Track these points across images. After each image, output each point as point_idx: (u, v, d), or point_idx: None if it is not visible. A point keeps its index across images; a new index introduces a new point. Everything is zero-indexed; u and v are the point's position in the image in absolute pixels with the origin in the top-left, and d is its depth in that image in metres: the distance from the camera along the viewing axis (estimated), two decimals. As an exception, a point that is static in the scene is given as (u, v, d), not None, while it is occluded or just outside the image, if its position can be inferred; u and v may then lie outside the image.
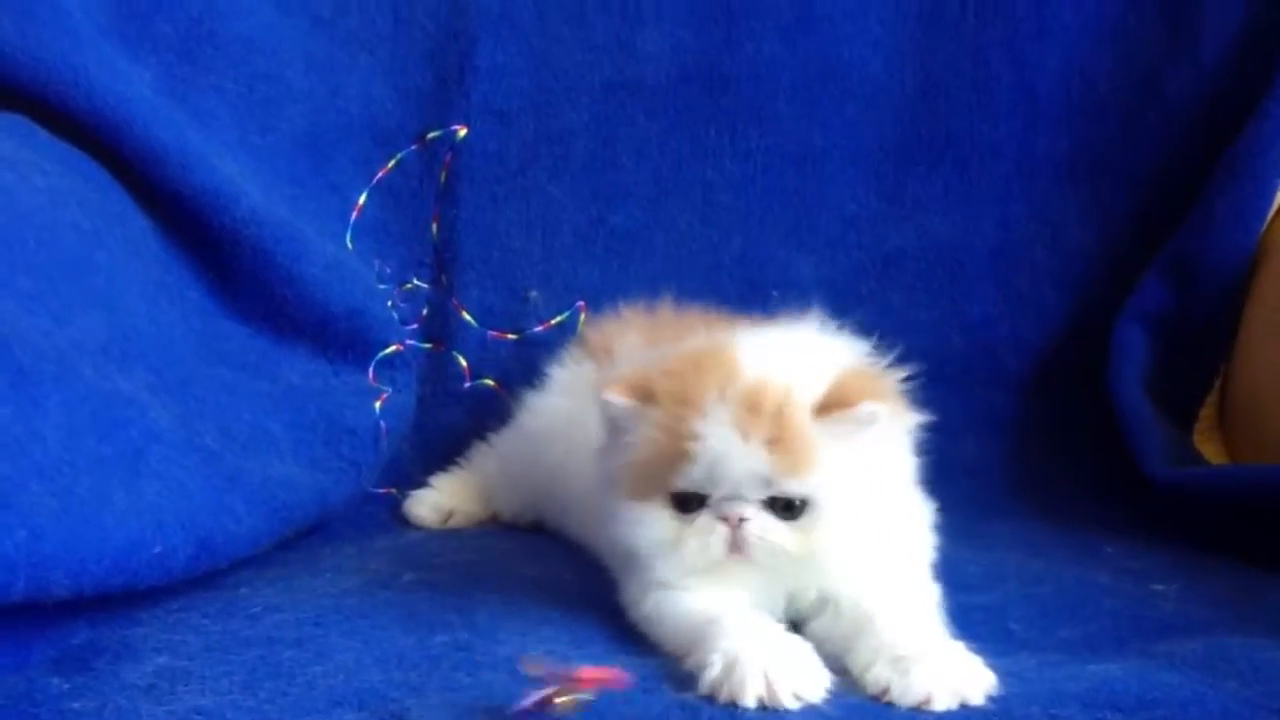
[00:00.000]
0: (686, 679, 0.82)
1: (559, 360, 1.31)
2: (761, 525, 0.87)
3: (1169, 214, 1.48)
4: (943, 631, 0.88)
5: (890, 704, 0.80)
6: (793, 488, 0.87)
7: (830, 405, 0.87)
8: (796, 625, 0.91)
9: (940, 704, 0.79)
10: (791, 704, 0.78)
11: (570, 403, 1.22)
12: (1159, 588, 1.08)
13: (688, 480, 0.88)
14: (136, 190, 1.24)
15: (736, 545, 0.88)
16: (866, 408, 0.87)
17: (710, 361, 0.90)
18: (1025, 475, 1.45)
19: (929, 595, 0.93)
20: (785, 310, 1.04)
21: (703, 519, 0.88)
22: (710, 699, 0.79)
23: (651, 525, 0.90)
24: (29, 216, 1.04)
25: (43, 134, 1.17)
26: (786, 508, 0.87)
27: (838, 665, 0.85)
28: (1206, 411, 1.43)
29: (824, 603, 0.92)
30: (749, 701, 0.78)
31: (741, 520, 0.87)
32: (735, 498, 0.87)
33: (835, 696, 0.81)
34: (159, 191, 1.24)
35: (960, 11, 1.50)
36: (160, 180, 1.24)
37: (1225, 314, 1.41)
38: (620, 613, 0.94)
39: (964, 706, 0.80)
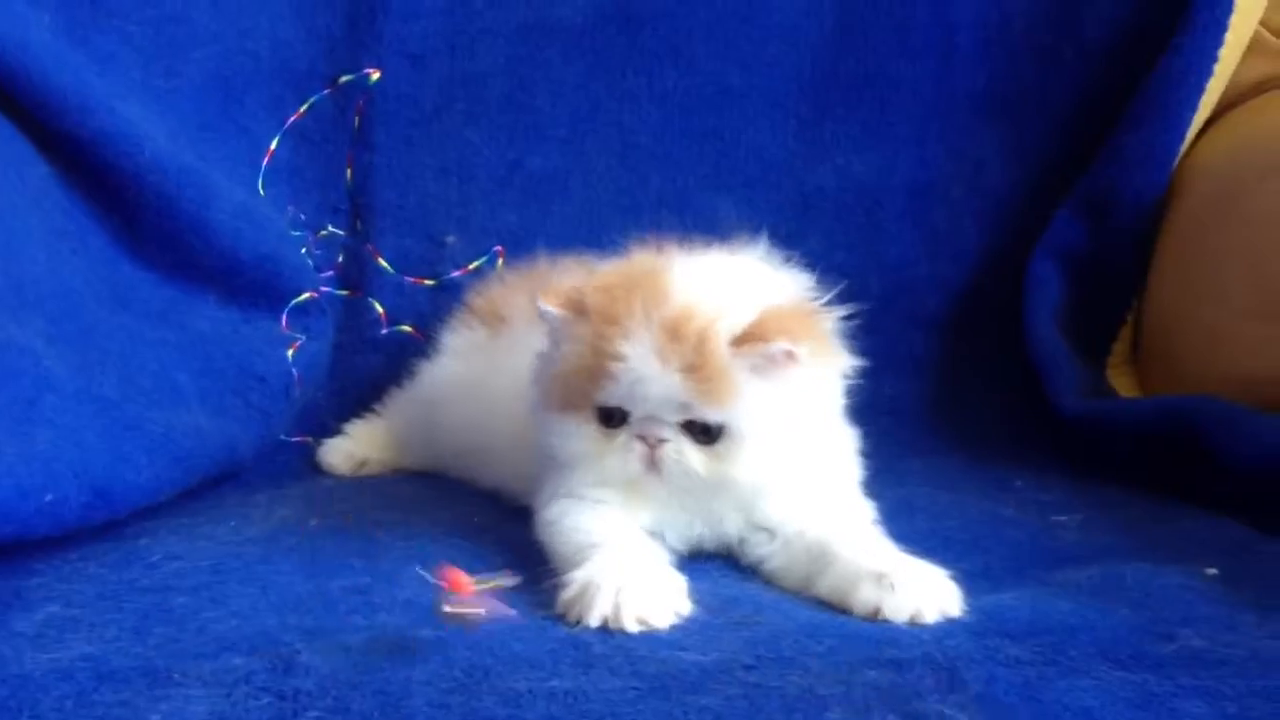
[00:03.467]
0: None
1: (450, 327, 1.30)
2: (678, 447, 0.90)
3: (1086, 151, 1.48)
4: (896, 548, 0.89)
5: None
6: (708, 414, 0.89)
7: (748, 339, 0.88)
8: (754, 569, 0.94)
9: (929, 617, 0.82)
10: (633, 628, 0.79)
11: (466, 365, 1.23)
12: (1062, 519, 1.09)
13: (609, 396, 0.90)
14: (35, 136, 1.21)
15: (653, 464, 0.90)
16: (780, 346, 0.88)
17: (642, 282, 0.91)
18: (943, 413, 1.46)
19: (866, 513, 0.96)
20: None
21: (623, 436, 0.91)
22: (602, 634, 0.80)
23: (576, 437, 0.92)
24: (-82, 164, 1.02)
25: (-67, 80, 1.15)
26: (704, 432, 0.90)
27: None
28: (1120, 345, 1.45)
29: (766, 536, 0.93)
30: (593, 622, 0.80)
31: (660, 441, 0.90)
32: (654, 418, 0.89)
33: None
34: (59, 137, 1.22)
35: (878, -51, 1.50)
36: (60, 126, 1.21)
37: (1138, 249, 1.42)
38: (520, 555, 0.94)
39: (947, 619, 0.82)
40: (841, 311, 0.96)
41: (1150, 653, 0.77)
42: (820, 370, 0.92)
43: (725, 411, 0.88)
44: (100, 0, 1.31)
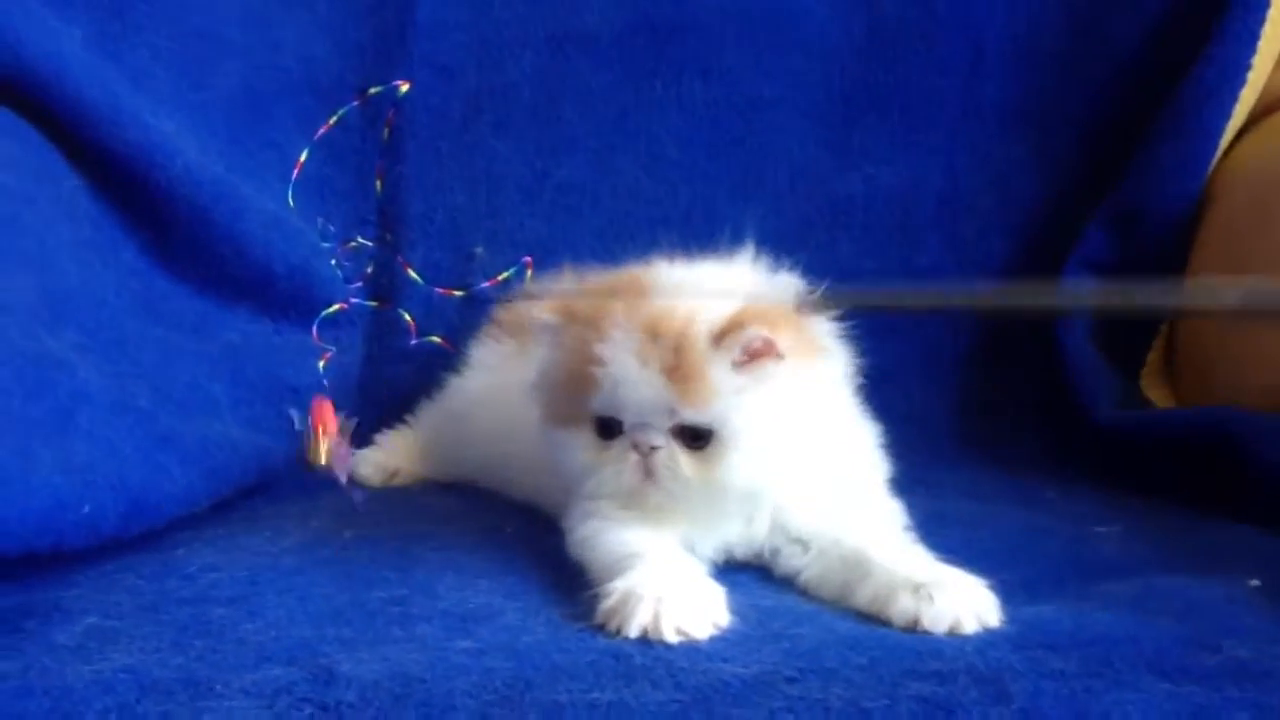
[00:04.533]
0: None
1: (478, 340, 1.31)
2: (670, 454, 0.89)
3: (1115, 162, 1.48)
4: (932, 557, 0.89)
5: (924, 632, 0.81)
6: (693, 416, 0.88)
7: (725, 333, 0.88)
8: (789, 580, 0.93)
9: (969, 628, 0.81)
10: (673, 638, 0.79)
11: (495, 377, 1.23)
12: (1100, 530, 1.08)
13: (598, 404, 0.90)
14: (68, 149, 1.22)
15: (648, 473, 0.90)
16: (755, 333, 0.87)
17: (623, 288, 0.92)
18: (972, 424, 1.46)
19: (897, 515, 0.95)
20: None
21: (618, 446, 0.91)
22: (643, 645, 0.79)
23: (576, 449, 0.93)
24: (-46, 177, 1.02)
25: (-33, 94, 1.15)
26: (696, 438, 0.89)
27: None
28: (1154, 356, 1.44)
29: (800, 548, 0.93)
30: (632, 632, 0.79)
31: (653, 449, 0.89)
32: (645, 425, 0.89)
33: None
34: (91, 150, 1.22)
35: (906, -41, 1.50)
36: (92, 139, 1.22)
37: (1170, 260, 1.41)
38: (555, 565, 0.94)
39: (987, 630, 0.81)
40: (832, 312, 0.94)
41: (1196, 665, 0.76)
42: (807, 368, 0.91)
43: (708, 412, 0.88)
44: (130, 15, 1.32)
